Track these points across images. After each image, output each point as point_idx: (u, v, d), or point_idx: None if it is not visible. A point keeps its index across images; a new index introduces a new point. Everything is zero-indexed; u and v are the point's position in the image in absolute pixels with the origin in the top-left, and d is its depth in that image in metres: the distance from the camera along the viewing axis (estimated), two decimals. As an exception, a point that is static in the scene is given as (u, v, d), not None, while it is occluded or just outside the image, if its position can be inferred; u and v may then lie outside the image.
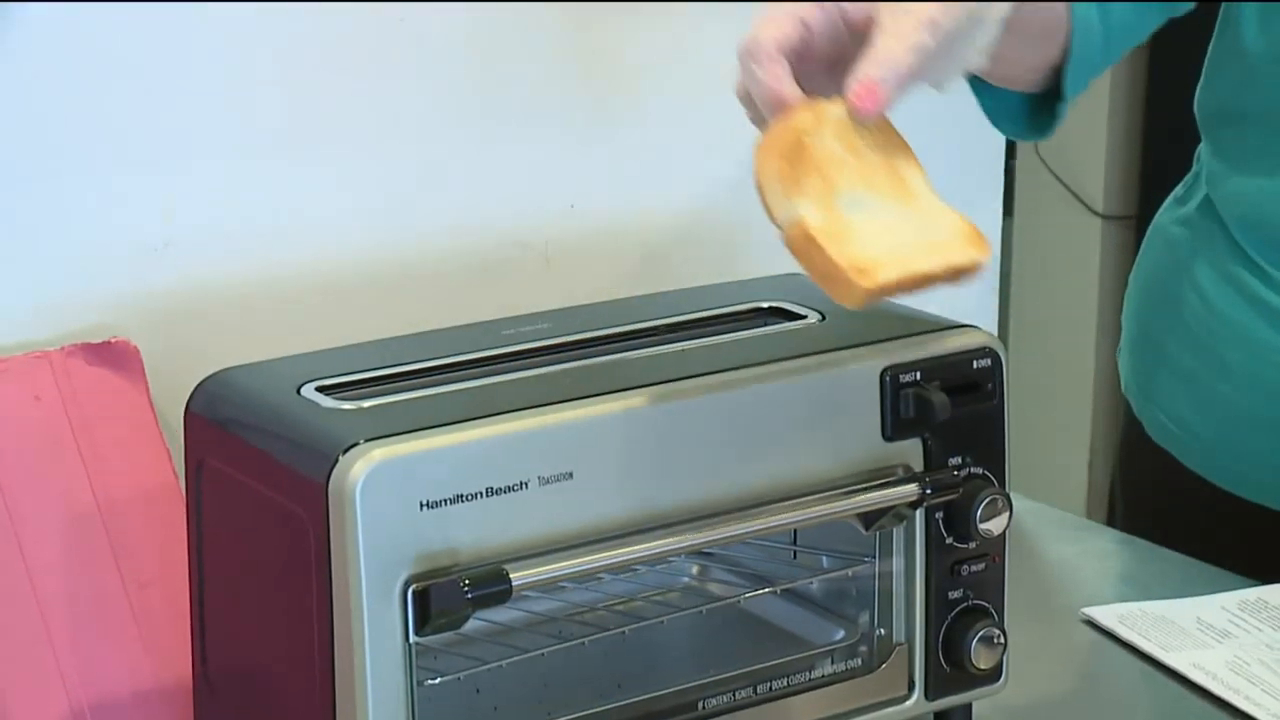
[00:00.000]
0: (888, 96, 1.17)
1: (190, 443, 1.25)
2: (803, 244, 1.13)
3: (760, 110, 1.19)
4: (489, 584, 1.16)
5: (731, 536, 1.25)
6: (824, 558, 1.36)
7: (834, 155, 1.15)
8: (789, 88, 1.18)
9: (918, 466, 1.30)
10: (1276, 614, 1.47)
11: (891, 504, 1.28)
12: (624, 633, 1.31)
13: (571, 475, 1.19)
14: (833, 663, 1.31)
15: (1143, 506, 1.64)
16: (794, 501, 1.26)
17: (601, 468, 1.20)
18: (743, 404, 1.25)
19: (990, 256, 1.16)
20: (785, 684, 1.29)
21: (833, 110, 1.17)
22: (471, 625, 1.27)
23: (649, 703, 1.26)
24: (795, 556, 1.38)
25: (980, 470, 1.32)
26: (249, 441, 1.21)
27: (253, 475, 1.20)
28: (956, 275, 1.15)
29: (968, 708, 1.36)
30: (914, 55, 1.19)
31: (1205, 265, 1.56)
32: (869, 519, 1.29)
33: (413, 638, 1.16)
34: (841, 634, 1.34)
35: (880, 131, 1.18)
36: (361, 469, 1.14)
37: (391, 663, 1.15)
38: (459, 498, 1.16)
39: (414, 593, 1.15)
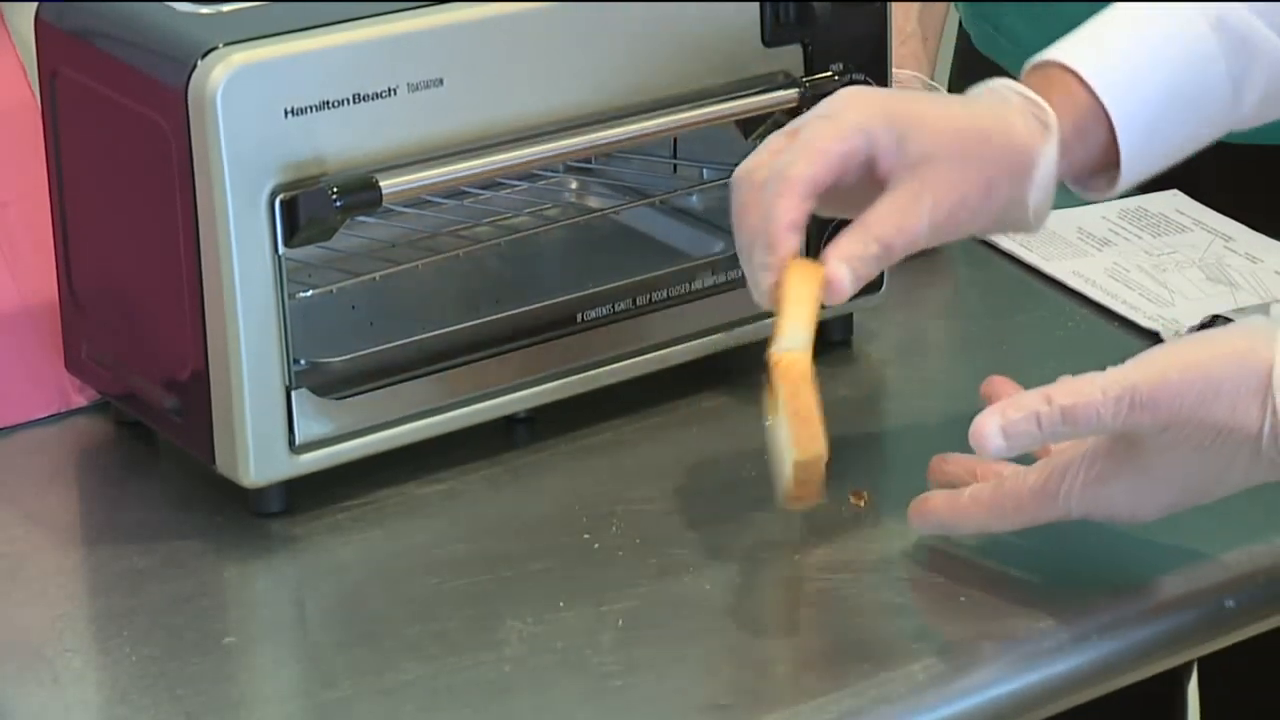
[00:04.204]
0: (854, 286, 1.10)
1: (43, 53, 1.20)
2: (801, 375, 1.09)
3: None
4: (358, 192, 1.13)
5: (608, 143, 1.22)
6: (704, 170, 1.34)
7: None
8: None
9: (798, 74, 1.28)
10: (1156, 221, 1.47)
11: (771, 109, 1.26)
12: (500, 244, 1.29)
13: (442, 82, 1.16)
14: (713, 274, 1.30)
15: None
16: (672, 108, 1.23)
17: (473, 74, 1.17)
18: (620, 10, 1.21)
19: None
20: (665, 296, 1.28)
21: None
22: (348, 242, 1.26)
23: (527, 315, 1.24)
24: (675, 170, 1.36)
25: (862, 77, 1.30)
26: (103, 49, 1.16)
27: (109, 84, 1.16)
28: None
29: (848, 319, 1.35)
30: (905, 239, 1.11)
31: None
32: (749, 126, 1.27)
33: (282, 249, 1.13)
34: (721, 246, 1.32)
35: None
36: (221, 74, 1.10)
37: (261, 275, 1.13)
38: (325, 104, 1.13)
39: (281, 202, 1.12)
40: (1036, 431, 1.04)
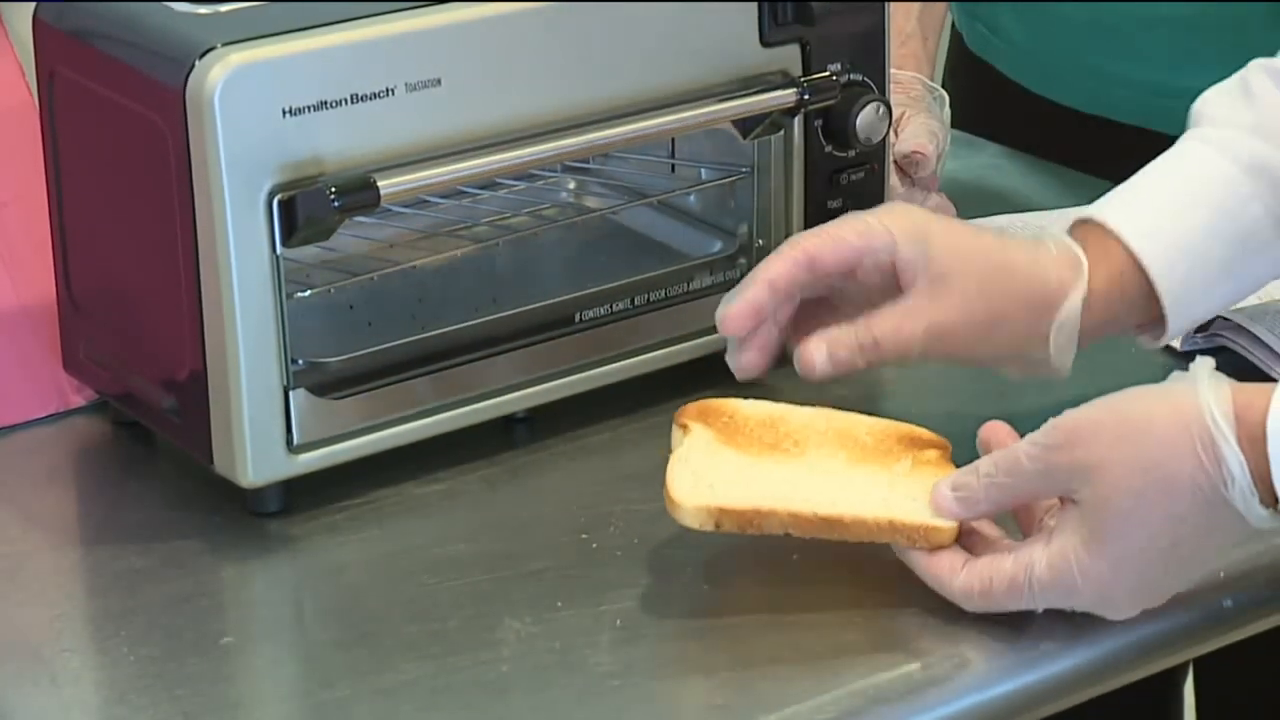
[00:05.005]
0: (828, 368, 1.16)
1: (40, 54, 1.20)
2: None
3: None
4: (356, 192, 1.13)
5: (606, 143, 1.22)
6: (702, 170, 1.34)
7: None
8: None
9: (796, 73, 1.28)
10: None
11: (769, 109, 1.26)
12: (498, 244, 1.29)
13: (440, 82, 1.16)
14: (711, 274, 1.30)
15: (967, 113, 1.66)
16: (670, 108, 1.23)
17: (470, 74, 1.17)
18: (618, 10, 1.21)
19: None
20: (663, 295, 1.28)
21: None
22: (346, 242, 1.26)
23: (525, 315, 1.24)
24: (673, 170, 1.36)
25: (860, 77, 1.30)
26: (101, 49, 1.16)
27: (107, 84, 1.16)
28: None
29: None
30: (897, 341, 1.16)
31: None
32: (747, 127, 1.27)
33: (280, 249, 1.13)
34: (720, 246, 1.32)
35: None
36: (219, 73, 1.10)
37: (259, 276, 1.13)
38: (323, 104, 1.13)
39: (280, 202, 1.12)
40: (975, 482, 1.09)
